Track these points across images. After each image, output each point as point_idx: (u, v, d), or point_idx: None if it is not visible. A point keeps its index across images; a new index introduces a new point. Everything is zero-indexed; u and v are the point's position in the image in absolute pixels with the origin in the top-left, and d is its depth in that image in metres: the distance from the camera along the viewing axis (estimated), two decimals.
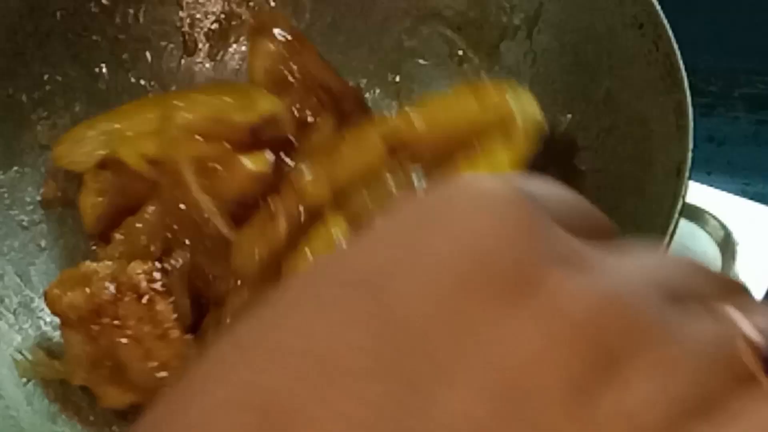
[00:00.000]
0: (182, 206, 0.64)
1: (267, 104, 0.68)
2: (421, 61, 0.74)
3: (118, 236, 0.66)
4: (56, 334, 0.65)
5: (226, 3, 0.76)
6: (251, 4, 0.76)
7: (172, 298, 0.61)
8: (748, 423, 0.21)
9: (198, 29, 0.76)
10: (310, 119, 0.69)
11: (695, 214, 0.68)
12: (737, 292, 0.26)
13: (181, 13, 0.76)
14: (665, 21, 0.60)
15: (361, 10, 0.75)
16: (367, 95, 0.74)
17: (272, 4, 0.76)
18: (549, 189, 0.26)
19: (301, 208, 0.62)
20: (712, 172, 1.01)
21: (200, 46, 0.76)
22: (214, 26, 0.76)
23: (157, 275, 0.61)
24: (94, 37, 0.73)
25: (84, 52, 0.73)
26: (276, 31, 0.71)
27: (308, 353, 0.21)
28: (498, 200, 0.24)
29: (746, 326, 0.23)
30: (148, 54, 0.75)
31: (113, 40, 0.74)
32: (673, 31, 0.59)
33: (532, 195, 0.25)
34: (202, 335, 0.63)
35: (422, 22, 0.74)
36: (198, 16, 0.76)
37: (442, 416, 0.21)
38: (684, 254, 0.66)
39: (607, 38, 0.64)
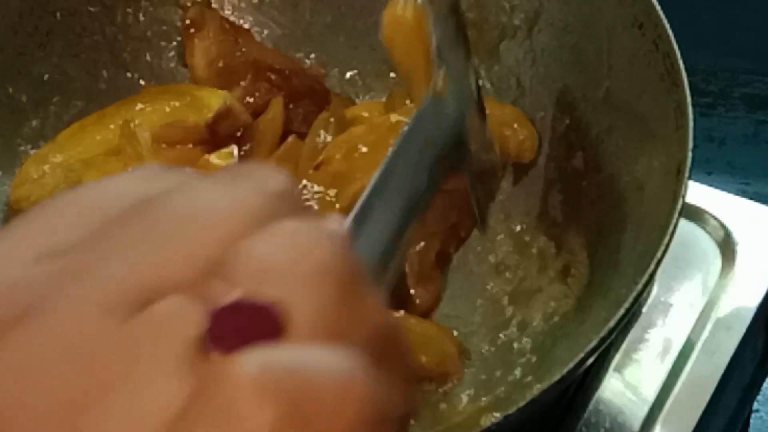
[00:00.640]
0: None
1: (217, 99, 0.68)
2: None
3: None
4: None
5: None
6: (242, 4, 0.76)
7: None
8: None
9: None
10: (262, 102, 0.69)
11: (695, 214, 0.68)
12: None
13: (180, 13, 0.76)
14: (665, 21, 0.60)
15: (361, 10, 0.75)
16: (367, 95, 0.74)
17: (273, 4, 0.76)
18: None
19: None
20: (712, 172, 1.01)
21: None
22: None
23: None
24: (94, 37, 0.73)
25: (84, 52, 0.73)
26: (208, 26, 0.72)
27: None
28: None
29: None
30: (148, 54, 0.75)
31: (113, 40, 0.74)
32: (673, 31, 0.59)
33: None
34: None
35: None
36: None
37: None
38: (684, 254, 0.66)
39: (607, 38, 0.64)
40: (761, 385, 0.74)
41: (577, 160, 0.65)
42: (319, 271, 0.24)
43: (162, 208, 0.25)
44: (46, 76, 0.72)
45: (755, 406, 0.79)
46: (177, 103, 0.68)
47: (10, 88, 0.70)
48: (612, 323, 0.51)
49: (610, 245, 0.60)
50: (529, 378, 0.57)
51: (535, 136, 0.67)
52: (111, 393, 0.22)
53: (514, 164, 0.68)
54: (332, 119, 0.67)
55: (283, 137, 0.69)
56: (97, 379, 0.22)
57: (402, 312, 0.62)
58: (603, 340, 0.51)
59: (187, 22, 0.73)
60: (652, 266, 0.53)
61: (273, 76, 0.71)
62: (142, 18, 0.75)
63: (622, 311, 0.52)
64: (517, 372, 0.59)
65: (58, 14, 0.72)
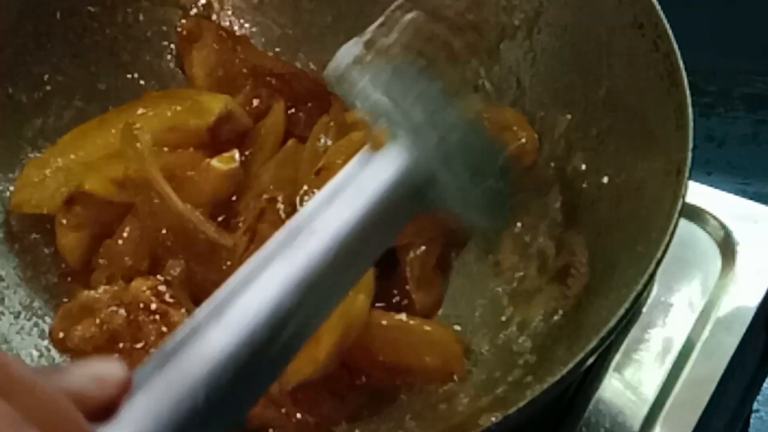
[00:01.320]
0: (165, 219, 0.63)
1: (218, 104, 0.68)
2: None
3: (101, 261, 0.65)
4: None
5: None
6: (242, 5, 0.77)
7: (183, 308, 0.61)
8: None
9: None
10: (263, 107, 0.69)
11: (695, 214, 0.68)
12: None
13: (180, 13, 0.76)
14: (665, 21, 0.60)
15: (361, 10, 0.75)
16: None
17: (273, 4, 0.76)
18: None
19: None
20: (712, 172, 1.01)
21: None
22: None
23: (162, 288, 0.61)
24: (94, 37, 0.73)
25: (84, 52, 0.73)
26: (205, 35, 0.72)
27: None
28: None
29: None
30: (148, 54, 0.75)
31: (113, 40, 0.74)
32: (673, 31, 0.59)
33: None
34: None
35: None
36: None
37: None
38: (684, 254, 0.66)
39: (607, 38, 0.64)
40: (761, 385, 0.74)
41: (577, 161, 0.65)
42: None
43: None
44: (46, 76, 0.72)
45: (755, 406, 0.79)
46: (178, 107, 0.68)
47: (10, 88, 0.70)
48: (612, 323, 0.51)
49: (610, 245, 0.60)
50: (529, 378, 0.57)
51: (535, 138, 0.67)
52: None
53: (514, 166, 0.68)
54: (332, 123, 0.67)
55: (285, 141, 0.69)
56: None
57: (404, 315, 0.62)
58: (603, 340, 0.51)
59: (184, 33, 0.73)
60: (652, 266, 0.53)
61: (274, 81, 0.71)
62: (142, 18, 0.75)
63: (622, 311, 0.52)
64: (517, 372, 0.59)
65: (58, 14, 0.72)
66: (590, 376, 0.63)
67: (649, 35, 0.60)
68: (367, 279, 0.60)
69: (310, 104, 0.71)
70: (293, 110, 0.70)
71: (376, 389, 0.61)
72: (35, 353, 0.65)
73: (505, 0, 0.70)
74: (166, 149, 0.67)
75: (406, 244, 0.64)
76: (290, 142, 0.68)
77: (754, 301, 0.65)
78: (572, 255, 0.63)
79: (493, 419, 0.50)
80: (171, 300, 0.60)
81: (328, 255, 0.43)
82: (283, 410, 0.60)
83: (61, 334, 0.62)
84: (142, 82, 0.74)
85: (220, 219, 0.66)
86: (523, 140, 0.67)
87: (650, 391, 0.62)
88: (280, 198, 0.64)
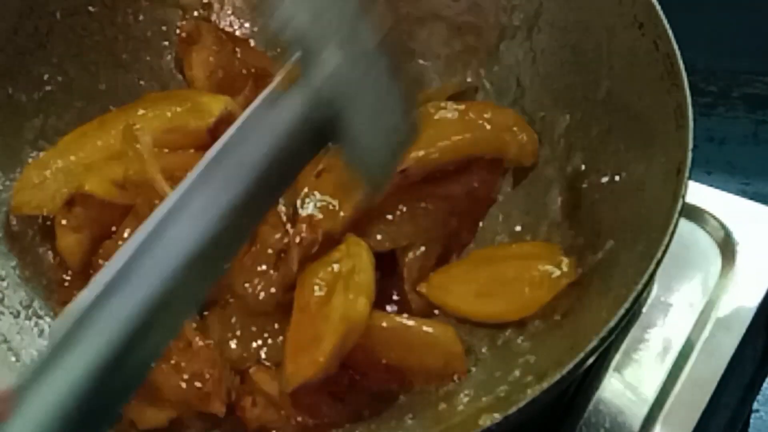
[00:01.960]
0: None
1: (219, 104, 0.68)
2: (420, 62, 0.74)
3: (101, 263, 0.65)
4: None
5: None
6: (243, 5, 0.77)
7: None
8: None
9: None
10: None
11: (695, 214, 0.68)
12: None
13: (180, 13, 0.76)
14: (665, 21, 0.60)
15: None
16: None
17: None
18: None
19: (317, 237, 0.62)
20: (712, 172, 1.01)
21: None
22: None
23: None
24: (94, 37, 0.73)
25: (84, 52, 0.73)
26: (205, 38, 0.72)
27: None
28: None
29: None
30: (147, 54, 0.75)
31: (113, 40, 0.74)
32: (673, 31, 0.59)
33: None
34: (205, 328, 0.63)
35: (422, 22, 0.74)
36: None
37: None
38: (684, 254, 0.66)
39: (607, 38, 0.64)
40: (761, 385, 0.74)
41: (577, 161, 0.65)
42: None
43: None
44: (46, 76, 0.72)
45: (755, 406, 0.79)
46: (178, 109, 0.68)
47: (10, 88, 0.70)
48: (612, 323, 0.51)
49: (610, 245, 0.60)
50: (529, 378, 0.57)
51: (535, 139, 0.67)
52: None
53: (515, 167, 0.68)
54: None
55: None
56: None
57: (404, 316, 0.62)
58: (603, 340, 0.51)
59: (183, 35, 0.73)
60: (652, 266, 0.53)
61: None
62: (142, 18, 0.75)
63: (622, 311, 0.52)
64: (517, 372, 0.59)
65: (58, 14, 0.72)
66: (590, 376, 0.63)
67: (649, 35, 0.60)
68: (368, 282, 0.60)
69: None
70: None
71: (376, 390, 0.61)
72: (35, 353, 0.65)
73: (505, 0, 0.70)
74: (166, 150, 0.67)
75: (406, 246, 0.64)
76: None
77: (754, 301, 0.65)
78: (572, 255, 0.63)
79: (493, 419, 0.50)
80: None
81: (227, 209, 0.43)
82: (283, 412, 0.60)
83: None
84: (142, 82, 0.74)
85: None
86: (523, 141, 0.67)
87: (650, 391, 0.62)
88: (281, 200, 0.64)
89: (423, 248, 0.65)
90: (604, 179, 0.63)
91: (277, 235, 0.63)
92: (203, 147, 0.68)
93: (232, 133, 0.45)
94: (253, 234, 0.62)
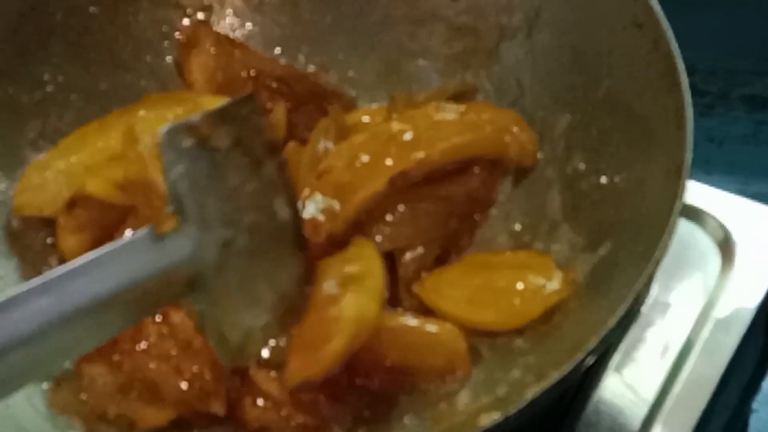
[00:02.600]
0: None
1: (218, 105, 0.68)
2: (420, 62, 0.74)
3: None
4: None
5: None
6: (243, 5, 0.77)
7: (184, 310, 0.60)
8: None
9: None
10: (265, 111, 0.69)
11: (695, 214, 0.68)
12: None
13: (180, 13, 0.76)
14: (665, 21, 0.60)
15: (361, 11, 0.75)
16: (367, 95, 0.74)
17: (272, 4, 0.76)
18: None
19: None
20: (712, 172, 1.01)
21: None
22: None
23: None
24: (94, 37, 0.73)
25: (84, 52, 0.73)
26: (203, 41, 0.72)
27: None
28: None
29: None
30: (148, 54, 0.75)
31: (113, 40, 0.74)
32: (673, 31, 0.59)
33: None
34: None
35: (421, 22, 0.74)
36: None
37: None
38: (684, 254, 0.66)
39: (607, 38, 0.64)
40: (761, 384, 0.74)
41: (577, 161, 0.65)
42: None
43: None
44: (46, 76, 0.72)
45: (755, 405, 0.79)
46: (179, 110, 0.68)
47: (10, 88, 0.70)
48: (612, 323, 0.51)
49: (611, 245, 0.60)
50: (529, 378, 0.57)
51: (535, 140, 0.67)
52: None
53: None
54: (332, 126, 0.67)
55: (286, 143, 0.69)
56: None
57: (408, 315, 0.62)
58: (603, 340, 0.51)
59: (182, 39, 0.73)
60: (651, 266, 0.53)
61: (274, 84, 0.71)
62: (142, 18, 0.75)
63: (622, 311, 0.52)
64: (517, 372, 0.59)
65: (58, 14, 0.72)
66: (590, 376, 0.63)
67: (649, 35, 0.60)
68: (379, 286, 0.59)
69: (311, 105, 0.71)
70: (294, 112, 0.70)
71: (376, 390, 0.61)
72: None
73: (505, 0, 0.70)
74: None
75: (405, 246, 0.64)
76: (291, 144, 0.68)
77: (753, 301, 0.65)
78: (572, 255, 0.63)
79: (493, 419, 0.50)
80: None
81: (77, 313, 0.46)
82: (283, 413, 0.60)
83: None
84: (142, 82, 0.74)
85: None
86: (523, 142, 0.67)
87: (650, 391, 0.62)
88: None
89: (421, 249, 0.64)
90: (604, 179, 0.63)
91: None
92: None
93: (104, 253, 0.48)
94: None
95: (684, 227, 0.67)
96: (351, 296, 0.58)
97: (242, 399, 0.61)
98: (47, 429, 0.61)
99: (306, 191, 0.63)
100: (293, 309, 0.58)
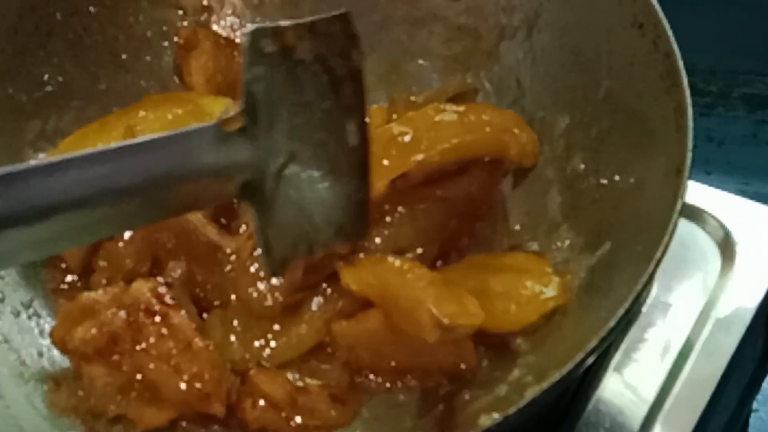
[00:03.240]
0: (166, 222, 0.63)
1: (220, 106, 0.68)
2: (420, 62, 0.74)
3: (101, 263, 0.65)
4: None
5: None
6: (242, 5, 0.77)
7: (184, 310, 0.61)
8: None
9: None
10: None
11: (695, 214, 0.68)
12: None
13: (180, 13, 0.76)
14: (665, 21, 0.60)
15: (361, 11, 0.75)
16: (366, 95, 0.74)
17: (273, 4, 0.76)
18: None
19: None
20: (712, 172, 1.01)
21: None
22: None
23: (163, 290, 0.61)
24: (94, 37, 0.73)
25: (84, 52, 0.73)
26: (202, 43, 0.72)
27: None
28: None
29: None
30: (147, 54, 0.75)
31: (113, 40, 0.74)
32: (673, 31, 0.59)
33: None
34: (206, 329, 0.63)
35: (421, 23, 0.74)
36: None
37: None
38: (684, 254, 0.66)
39: (607, 38, 0.64)
40: (761, 384, 0.74)
41: (576, 161, 0.65)
42: None
43: None
44: (46, 76, 0.72)
45: (755, 405, 0.79)
46: (179, 111, 0.68)
47: (10, 88, 0.70)
48: (612, 323, 0.51)
49: (610, 245, 0.60)
50: (529, 378, 0.57)
51: (535, 140, 0.67)
52: None
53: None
54: None
55: None
56: None
57: None
58: (603, 340, 0.51)
59: (181, 41, 0.73)
60: (651, 266, 0.53)
61: None
62: (142, 18, 0.75)
63: (622, 311, 0.52)
64: (517, 372, 0.59)
65: (58, 14, 0.72)
66: (590, 376, 0.63)
67: (649, 35, 0.60)
68: None
69: None
70: None
71: (376, 391, 0.62)
72: (35, 352, 0.65)
73: (505, 0, 0.70)
74: None
75: (405, 247, 0.64)
76: None
77: (753, 301, 0.65)
78: (572, 255, 0.63)
79: (493, 419, 0.50)
80: (171, 302, 0.60)
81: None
82: (283, 414, 0.60)
83: (62, 332, 0.62)
84: (142, 82, 0.74)
85: (222, 222, 0.66)
86: (523, 142, 0.67)
87: (650, 391, 0.62)
88: None
89: (420, 250, 0.64)
90: (604, 179, 0.63)
91: None
92: None
93: (165, 136, 0.48)
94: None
95: (684, 227, 0.67)
96: None
97: (242, 400, 0.61)
98: (47, 429, 0.61)
99: None
100: (344, 236, 0.56)
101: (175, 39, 0.74)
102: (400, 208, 0.64)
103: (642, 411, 0.62)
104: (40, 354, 0.65)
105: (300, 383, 0.61)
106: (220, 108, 0.68)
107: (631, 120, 0.62)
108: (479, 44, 0.72)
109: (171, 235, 0.64)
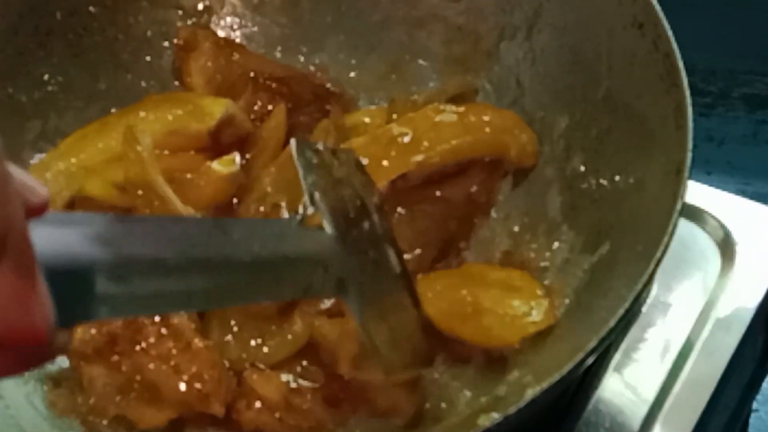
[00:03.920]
0: None
1: (220, 107, 0.68)
2: (420, 62, 0.74)
3: None
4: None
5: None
6: (242, 5, 0.77)
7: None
8: None
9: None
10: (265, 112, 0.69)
11: (695, 214, 0.68)
12: None
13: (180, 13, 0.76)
14: (665, 21, 0.60)
15: (361, 11, 0.75)
16: (366, 95, 0.74)
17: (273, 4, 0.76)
18: None
19: None
20: (712, 172, 1.01)
21: None
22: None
23: None
24: (94, 37, 0.73)
25: (84, 52, 0.73)
26: (202, 44, 0.72)
27: None
28: None
29: None
30: (147, 54, 0.75)
31: (113, 40, 0.74)
32: (673, 31, 0.59)
33: None
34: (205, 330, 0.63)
35: (421, 23, 0.74)
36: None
37: None
38: (684, 254, 0.66)
39: (607, 38, 0.64)
40: (761, 384, 0.74)
41: (576, 161, 0.65)
42: None
43: None
44: (46, 76, 0.72)
45: (755, 405, 0.79)
46: (179, 111, 0.68)
47: (10, 88, 0.70)
48: (612, 323, 0.51)
49: (610, 245, 0.60)
50: (529, 378, 0.57)
51: (535, 140, 0.67)
52: None
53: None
54: (332, 127, 0.67)
55: (286, 144, 0.69)
56: None
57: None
58: (603, 340, 0.51)
59: (181, 42, 0.73)
60: (651, 266, 0.53)
61: (274, 85, 0.71)
62: (142, 18, 0.75)
63: (622, 311, 0.52)
64: (517, 372, 0.59)
65: (58, 14, 0.72)
66: (590, 376, 0.63)
67: (649, 35, 0.60)
68: None
69: (312, 107, 0.71)
70: (295, 113, 0.70)
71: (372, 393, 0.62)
72: None
73: (505, 0, 0.70)
74: (167, 152, 0.67)
75: (403, 248, 0.64)
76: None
77: (753, 301, 0.65)
78: (572, 255, 0.63)
79: (493, 419, 0.50)
80: None
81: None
82: (278, 415, 0.60)
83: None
84: (142, 82, 0.74)
85: None
86: (523, 142, 0.67)
87: (650, 391, 0.62)
88: (283, 204, 0.64)
89: (419, 251, 0.64)
90: (604, 179, 0.63)
91: None
92: (204, 149, 0.68)
93: (255, 222, 0.50)
94: None
95: (684, 227, 0.67)
96: None
97: (237, 401, 0.61)
98: (47, 429, 0.61)
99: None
100: (416, 353, 0.57)
101: (175, 41, 0.74)
102: (399, 209, 0.64)
103: (642, 411, 0.62)
104: None
105: (294, 385, 0.61)
106: (221, 109, 0.68)
107: (631, 120, 0.62)
108: (479, 44, 0.72)
109: None
